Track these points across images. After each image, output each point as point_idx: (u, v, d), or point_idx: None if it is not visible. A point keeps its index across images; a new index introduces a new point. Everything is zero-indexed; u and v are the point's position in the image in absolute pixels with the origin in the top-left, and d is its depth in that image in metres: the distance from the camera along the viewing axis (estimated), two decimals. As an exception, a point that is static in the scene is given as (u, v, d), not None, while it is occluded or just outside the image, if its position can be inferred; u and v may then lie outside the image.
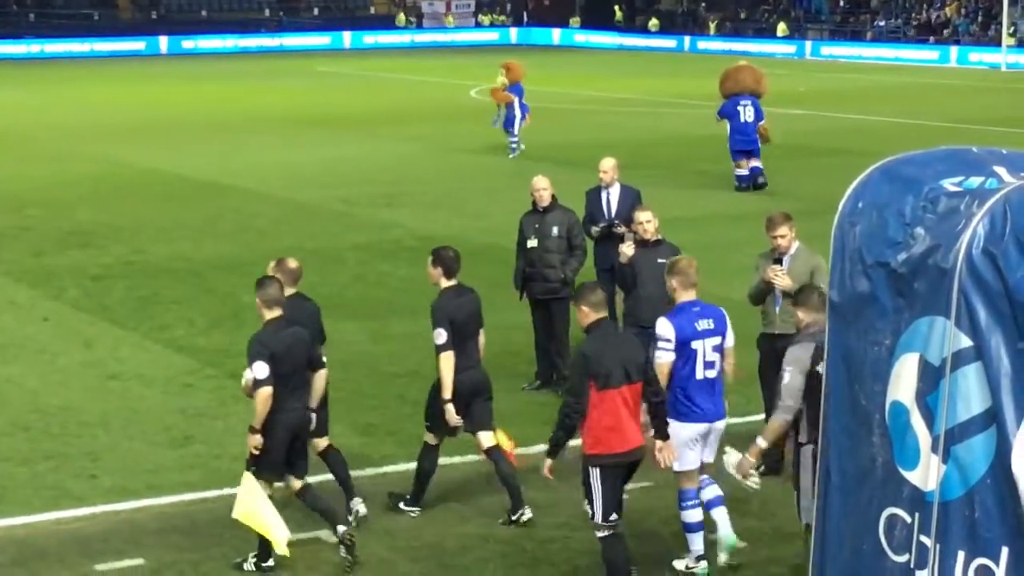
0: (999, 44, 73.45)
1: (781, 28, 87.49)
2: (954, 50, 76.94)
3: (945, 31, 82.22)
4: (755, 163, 32.93)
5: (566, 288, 17.35)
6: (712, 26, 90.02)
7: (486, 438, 13.58)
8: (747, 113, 32.81)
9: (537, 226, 17.42)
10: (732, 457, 11.66)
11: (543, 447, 14.27)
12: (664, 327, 12.09)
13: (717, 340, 12.22)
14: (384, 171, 36.45)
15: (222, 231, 28.32)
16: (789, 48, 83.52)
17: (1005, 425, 8.43)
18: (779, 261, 14.23)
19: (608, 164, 18.64)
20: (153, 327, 20.33)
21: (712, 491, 12.42)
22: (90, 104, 55.16)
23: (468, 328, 13.49)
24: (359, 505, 13.41)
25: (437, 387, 13.42)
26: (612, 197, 18.50)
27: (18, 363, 18.98)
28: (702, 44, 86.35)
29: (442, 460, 14.15)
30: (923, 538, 8.85)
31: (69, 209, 30.93)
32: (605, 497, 11.36)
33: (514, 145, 38.74)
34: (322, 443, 13.50)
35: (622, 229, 17.65)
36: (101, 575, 12.44)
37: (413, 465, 13.81)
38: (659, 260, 15.63)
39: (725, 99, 33.43)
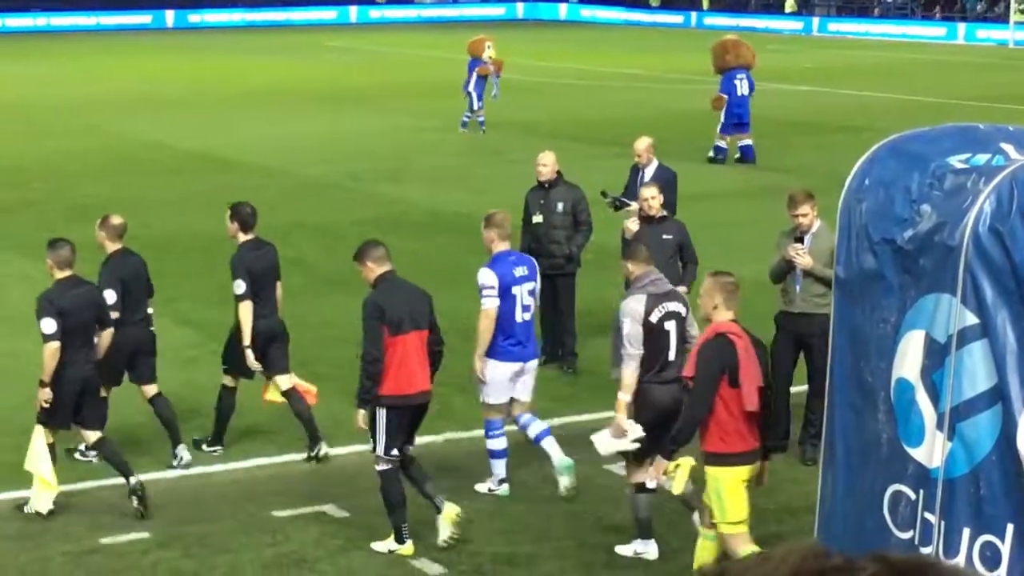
0: (1007, 21, 73.24)
1: (789, 4, 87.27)
2: (962, 27, 76.73)
3: (953, 7, 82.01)
4: (746, 141, 33.25)
5: (571, 264, 17.37)
6: (705, 2, 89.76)
7: (283, 381, 14.55)
8: (743, 87, 33.02)
9: (542, 202, 17.41)
10: (600, 437, 12.10)
11: (550, 421, 14.36)
12: (487, 276, 13.39)
13: (532, 285, 13.60)
14: (390, 146, 36.41)
15: (226, 205, 28.24)
16: (796, 24, 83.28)
17: (1011, 402, 8.44)
18: (800, 240, 14.21)
19: (641, 145, 18.76)
20: (158, 300, 20.25)
21: (538, 426, 13.64)
22: (96, 78, 55.09)
23: (266, 279, 14.53)
24: (183, 452, 14.32)
25: (236, 334, 14.44)
26: (647, 176, 18.55)
27: (30, 337, 18.95)
28: (708, 20, 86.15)
29: (454, 435, 14.20)
30: (928, 515, 8.87)
31: (75, 183, 30.92)
32: (389, 434, 12.36)
33: (469, 119, 38.53)
34: (150, 390, 14.51)
35: (633, 206, 17.64)
36: (107, 548, 12.48)
37: (418, 439, 13.84)
38: (664, 236, 15.69)
39: (721, 73, 33.57)
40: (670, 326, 12.14)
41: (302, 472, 14.28)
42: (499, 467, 13.66)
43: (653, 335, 11.97)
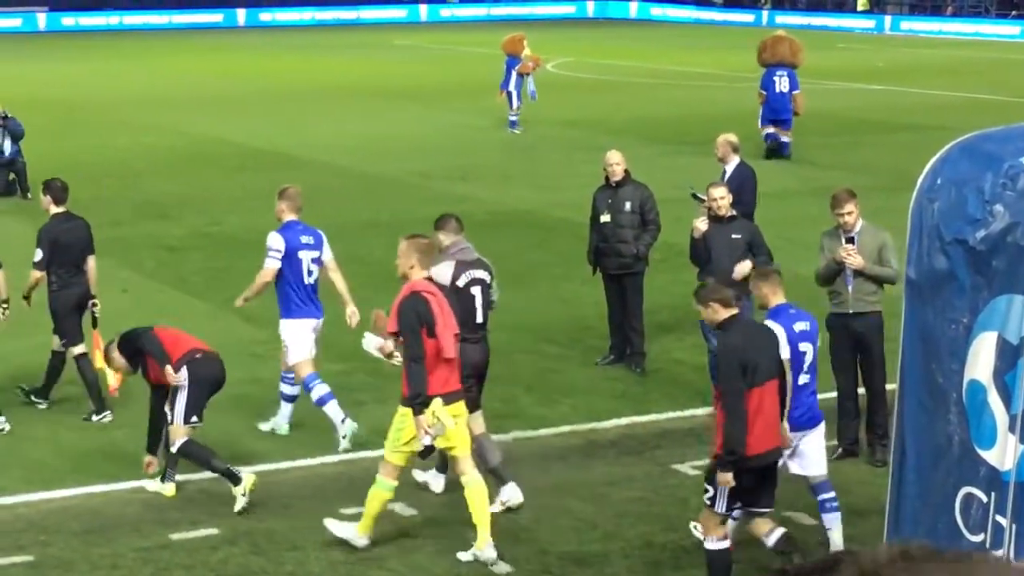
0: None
1: (861, 2, 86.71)
2: (1036, 25, 76.02)
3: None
4: (785, 137, 33.25)
5: (639, 263, 17.32)
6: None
7: (78, 348, 15.86)
8: (782, 84, 33.17)
9: (610, 201, 17.37)
10: (370, 339, 12.89)
11: (617, 421, 14.33)
12: (275, 239, 14.93)
13: (316, 254, 14.99)
14: (459, 144, 36.45)
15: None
16: (868, 23, 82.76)
17: (1084, 405, 8.35)
18: (851, 240, 14.13)
19: (719, 141, 18.75)
20: (227, 298, 20.36)
21: (322, 388, 14.85)
22: (167, 76, 55.46)
23: (74, 251, 15.92)
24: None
25: (56, 300, 15.88)
26: (727, 173, 18.53)
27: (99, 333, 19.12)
28: (780, 18, 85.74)
29: (514, 434, 14.19)
30: (999, 518, 8.79)
31: (145, 180, 31.13)
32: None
33: (516, 118, 38.48)
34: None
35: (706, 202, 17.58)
36: (176, 544, 12.54)
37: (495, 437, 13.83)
38: (733, 236, 15.60)
39: (763, 70, 33.63)
40: (476, 291, 13.51)
41: (368, 469, 14.29)
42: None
43: (461, 298, 13.20)
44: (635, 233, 17.27)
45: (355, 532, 12.38)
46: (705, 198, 16.17)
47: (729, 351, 11.12)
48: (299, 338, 15.04)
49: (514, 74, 38.02)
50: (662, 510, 13.14)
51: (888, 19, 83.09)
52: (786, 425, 11.51)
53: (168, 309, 20.12)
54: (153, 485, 13.67)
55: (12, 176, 29.29)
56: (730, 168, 18.65)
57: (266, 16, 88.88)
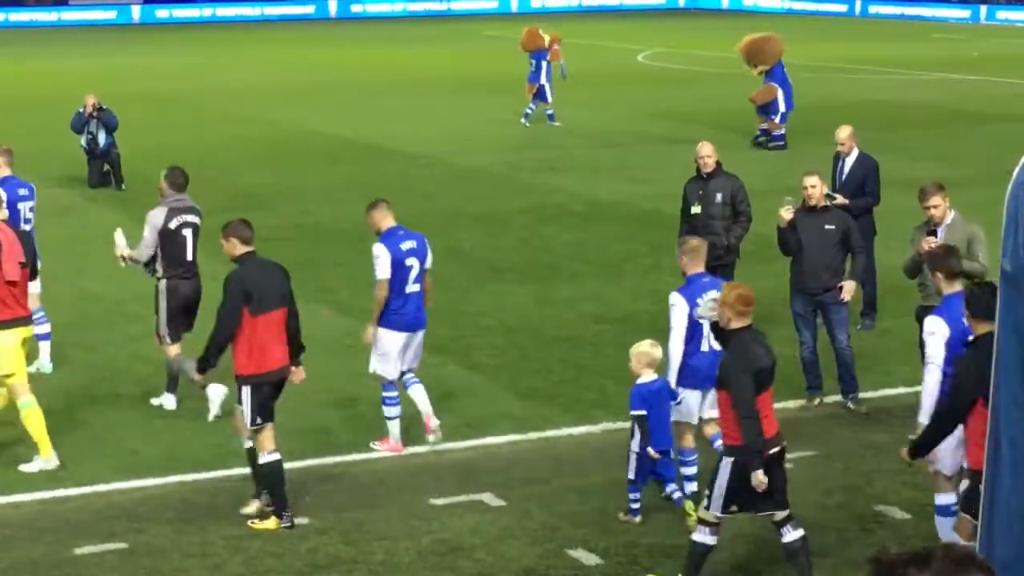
0: None
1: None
2: None
3: None
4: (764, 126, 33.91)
5: (731, 255, 17.21)
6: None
7: None
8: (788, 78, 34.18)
9: (701, 192, 17.28)
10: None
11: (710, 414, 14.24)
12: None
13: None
14: (549, 135, 36.43)
15: (387, 194, 28.19)
16: (964, 13, 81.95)
17: None
18: (933, 233, 13.98)
19: (843, 133, 18.64)
20: (318, 288, 20.51)
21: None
22: (260, 67, 55.83)
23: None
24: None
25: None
26: (847, 165, 18.40)
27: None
28: (873, 8, 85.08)
29: (603, 425, 14.15)
30: (1096, 514, 8.65)
31: (239, 171, 31.35)
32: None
33: (551, 111, 38.51)
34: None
35: (839, 198, 17.43)
36: (266, 533, 12.58)
37: (575, 430, 13.82)
38: (826, 226, 15.44)
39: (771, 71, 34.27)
40: (187, 233, 15.65)
41: (457, 461, 14.32)
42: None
43: (172, 240, 15.51)
44: (726, 224, 17.16)
45: (43, 462, 14.03)
46: (835, 196, 15.97)
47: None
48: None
49: (544, 66, 37.98)
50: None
51: (984, 9, 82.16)
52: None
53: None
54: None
55: (107, 167, 29.58)
56: (850, 160, 18.50)
57: (357, 7, 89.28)
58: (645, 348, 12.75)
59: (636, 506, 12.70)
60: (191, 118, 40.60)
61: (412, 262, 14.30)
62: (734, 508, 11.02)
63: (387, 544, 12.31)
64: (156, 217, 15.66)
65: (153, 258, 15.74)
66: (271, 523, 12.67)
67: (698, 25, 76.41)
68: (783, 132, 33.10)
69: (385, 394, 14.45)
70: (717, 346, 12.17)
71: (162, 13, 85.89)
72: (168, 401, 15.89)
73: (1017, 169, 9.38)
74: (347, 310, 19.62)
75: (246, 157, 33.34)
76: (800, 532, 11.16)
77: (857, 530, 12.47)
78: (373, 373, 14.52)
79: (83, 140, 29.50)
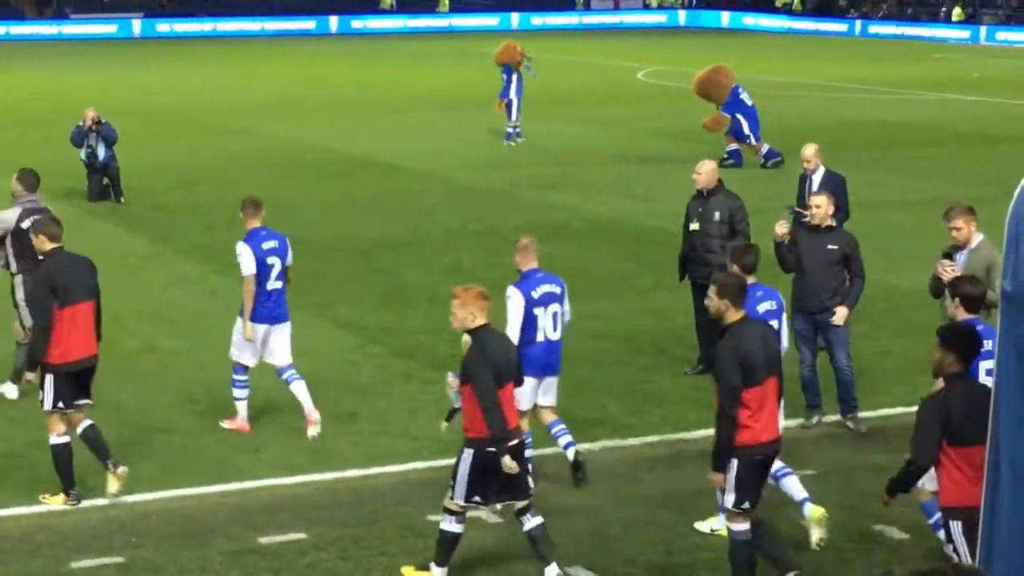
0: None
1: (956, 13, 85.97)
2: None
3: None
4: (733, 146, 34.00)
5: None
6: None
7: None
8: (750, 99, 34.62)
9: (700, 210, 17.31)
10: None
11: (706, 431, 14.26)
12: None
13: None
14: (550, 153, 36.43)
15: (388, 210, 28.53)
16: (963, 33, 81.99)
17: None
18: (949, 255, 13.96)
19: (808, 151, 18.80)
20: (318, 304, 20.51)
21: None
22: (260, 82, 55.85)
23: None
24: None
25: None
26: (814, 183, 18.44)
27: (187, 337, 19.29)
28: (873, 28, 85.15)
29: (602, 443, 14.14)
30: (1096, 534, 8.65)
31: (238, 185, 31.27)
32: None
33: (514, 129, 38.40)
34: None
35: (807, 214, 17.45)
36: (264, 548, 12.59)
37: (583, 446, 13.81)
38: (829, 246, 15.42)
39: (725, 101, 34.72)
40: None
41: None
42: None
43: (25, 238, 15.29)
44: (723, 243, 17.15)
45: None
46: (805, 212, 15.98)
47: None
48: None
49: (514, 79, 37.90)
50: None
51: (984, 29, 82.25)
52: None
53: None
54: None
55: (106, 181, 29.58)
56: (817, 177, 18.57)
57: (358, 23, 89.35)
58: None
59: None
60: (191, 132, 40.61)
61: (274, 260, 15.76)
62: (477, 498, 11.71)
63: (385, 560, 12.31)
64: (9, 216, 16.54)
65: (5, 256, 16.63)
66: (59, 499, 13.51)
67: (698, 43, 76.42)
68: (771, 148, 33.10)
69: (235, 377, 15.51)
70: (555, 336, 13.76)
71: (163, 27, 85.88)
72: (10, 391, 16.68)
73: (1018, 190, 9.39)
74: (348, 325, 19.62)
75: (245, 172, 33.31)
76: (540, 519, 11.84)
77: (856, 549, 12.47)
78: (230, 358, 15.56)
79: (82, 153, 29.49)
